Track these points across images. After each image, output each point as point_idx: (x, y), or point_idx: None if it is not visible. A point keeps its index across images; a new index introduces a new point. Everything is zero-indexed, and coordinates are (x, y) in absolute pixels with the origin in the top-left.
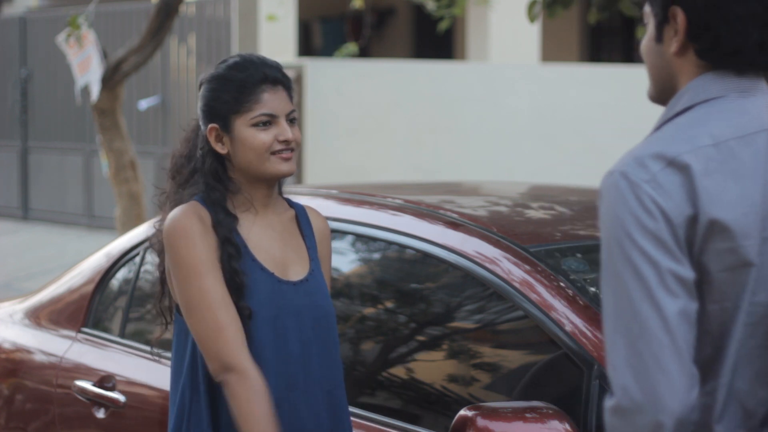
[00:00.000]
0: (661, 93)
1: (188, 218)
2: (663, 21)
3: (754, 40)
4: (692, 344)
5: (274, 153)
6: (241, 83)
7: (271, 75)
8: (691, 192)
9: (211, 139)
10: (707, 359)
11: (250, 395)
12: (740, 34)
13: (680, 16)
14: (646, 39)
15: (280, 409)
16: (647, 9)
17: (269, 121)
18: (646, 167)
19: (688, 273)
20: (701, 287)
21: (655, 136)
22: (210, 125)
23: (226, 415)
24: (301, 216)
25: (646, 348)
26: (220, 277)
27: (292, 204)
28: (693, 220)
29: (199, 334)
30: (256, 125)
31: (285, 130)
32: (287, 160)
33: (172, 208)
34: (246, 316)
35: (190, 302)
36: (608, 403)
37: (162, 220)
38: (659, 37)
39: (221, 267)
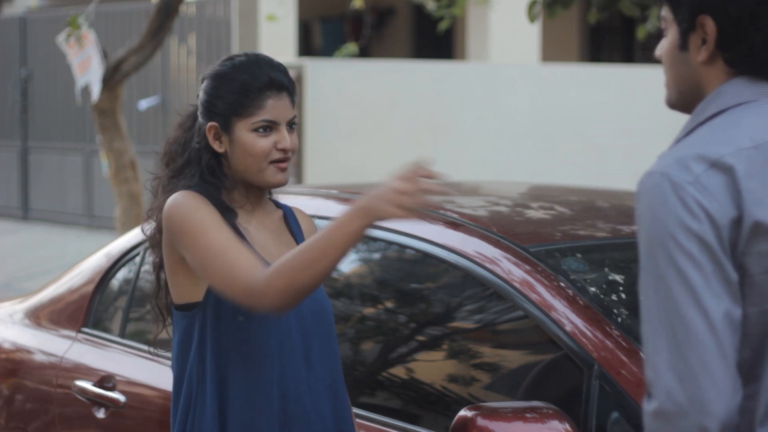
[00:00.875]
0: (683, 100)
1: (186, 195)
2: (689, 29)
3: None
4: (736, 348)
5: (272, 162)
6: (246, 86)
7: (277, 80)
8: (735, 194)
9: (210, 137)
10: (747, 362)
11: (289, 272)
12: None
13: (710, 25)
14: (668, 46)
15: (287, 401)
16: (667, 15)
17: (270, 127)
18: (689, 168)
19: (732, 275)
20: (742, 289)
21: (693, 138)
22: (210, 123)
23: (234, 407)
24: (289, 217)
25: (692, 352)
26: (224, 227)
27: (279, 205)
28: (737, 222)
29: (220, 281)
30: (256, 130)
31: (284, 138)
32: (283, 170)
33: (166, 198)
34: None
35: (201, 258)
36: (649, 406)
37: (153, 212)
38: (684, 45)
39: None
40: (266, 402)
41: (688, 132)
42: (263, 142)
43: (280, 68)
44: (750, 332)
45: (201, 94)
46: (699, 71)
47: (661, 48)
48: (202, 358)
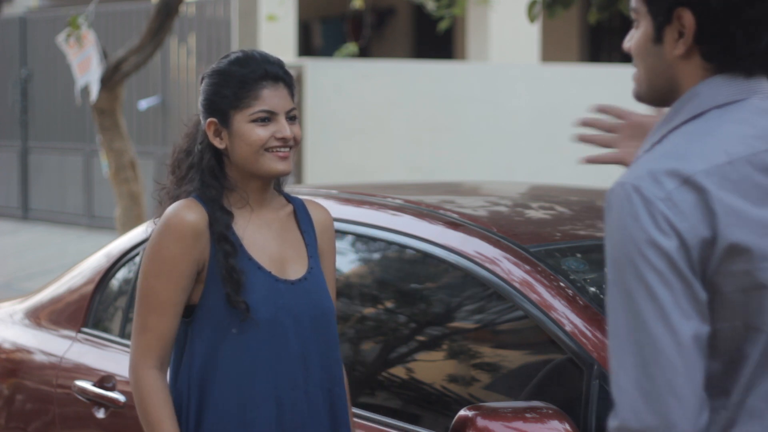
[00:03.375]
0: (655, 94)
1: (183, 217)
2: (665, 22)
3: (766, 44)
4: (703, 367)
5: (269, 149)
6: (242, 78)
7: (272, 71)
8: (707, 213)
9: (210, 133)
10: (716, 376)
11: (141, 399)
12: (753, 37)
13: (688, 18)
14: (640, 39)
15: (282, 408)
16: (639, 6)
17: (268, 117)
18: (660, 183)
19: (701, 294)
20: (712, 306)
21: (667, 145)
22: (209, 119)
23: (225, 418)
24: (299, 211)
25: (659, 371)
26: (178, 285)
27: (291, 199)
28: (709, 241)
29: (133, 326)
30: (254, 121)
31: (283, 127)
32: (283, 158)
33: (169, 204)
34: (243, 311)
35: (138, 294)
36: (613, 423)
37: (159, 215)
38: (659, 38)
39: (218, 265)
40: (261, 413)
41: (662, 136)
42: (261, 132)
43: (276, 61)
44: (720, 347)
45: (200, 95)
46: (674, 66)
47: (631, 40)
48: (196, 367)
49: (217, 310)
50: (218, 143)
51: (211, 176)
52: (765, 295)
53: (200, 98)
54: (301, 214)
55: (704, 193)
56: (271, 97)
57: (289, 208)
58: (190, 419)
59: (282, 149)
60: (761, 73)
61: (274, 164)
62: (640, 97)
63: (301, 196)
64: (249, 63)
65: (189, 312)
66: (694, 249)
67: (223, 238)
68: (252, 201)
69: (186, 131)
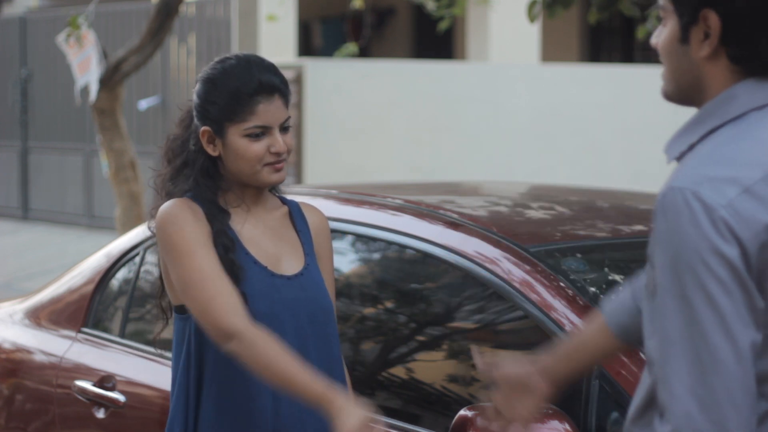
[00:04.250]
0: (682, 93)
1: (177, 207)
2: (691, 22)
3: None
4: (755, 376)
5: (266, 165)
6: (236, 92)
7: (268, 84)
8: (766, 221)
9: (203, 141)
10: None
11: (256, 350)
12: None
13: (713, 20)
14: (667, 38)
15: (279, 403)
16: (666, 5)
17: (262, 132)
18: (721, 191)
19: (759, 302)
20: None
21: (716, 151)
22: (203, 128)
23: (222, 413)
24: (295, 212)
25: (718, 379)
26: (210, 253)
27: (285, 201)
28: (766, 249)
29: (196, 310)
30: (248, 136)
31: (277, 142)
32: (279, 170)
33: (165, 200)
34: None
35: (183, 281)
36: (664, 428)
37: (155, 211)
38: (685, 38)
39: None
40: (258, 407)
41: (701, 137)
42: (256, 147)
43: (272, 69)
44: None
45: (195, 97)
46: (700, 66)
47: (658, 37)
48: (194, 361)
49: None
50: (211, 150)
51: (206, 177)
52: None
53: (195, 101)
54: (296, 216)
55: (765, 202)
56: (266, 112)
57: (285, 209)
58: (189, 412)
59: (278, 162)
60: None
61: (269, 176)
62: (668, 95)
63: (300, 197)
64: (243, 75)
65: (186, 309)
66: (753, 257)
67: (222, 233)
68: (248, 200)
69: (180, 117)
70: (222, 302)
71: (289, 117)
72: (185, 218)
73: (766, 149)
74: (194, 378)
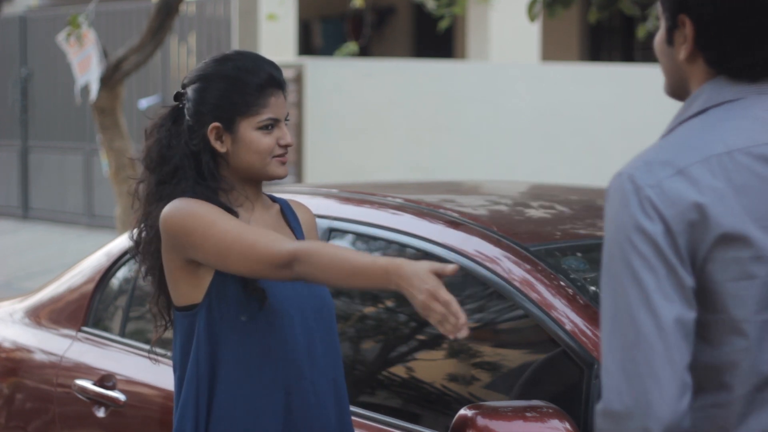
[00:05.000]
0: (674, 91)
1: (181, 200)
2: (673, 26)
3: (763, 54)
4: (688, 352)
5: (274, 157)
6: (254, 86)
7: (276, 78)
8: (698, 202)
9: (211, 137)
10: (713, 369)
11: (318, 260)
12: (748, 48)
13: (689, 25)
14: (658, 39)
15: (291, 398)
16: (660, 8)
17: (272, 124)
18: (653, 172)
19: (687, 280)
20: (704, 295)
21: (668, 140)
22: (213, 124)
23: (235, 407)
24: (286, 210)
25: (640, 354)
26: (229, 217)
27: (275, 199)
28: (700, 229)
29: (245, 264)
30: (260, 128)
31: (285, 134)
32: (284, 163)
33: (159, 206)
34: (261, 296)
35: (218, 249)
36: (599, 405)
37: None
38: (670, 40)
39: None
40: (270, 402)
41: (670, 130)
42: (268, 140)
43: (276, 66)
44: (710, 339)
45: (198, 97)
46: (682, 67)
47: (655, 39)
48: (204, 358)
49: (228, 299)
50: (219, 147)
51: (205, 178)
52: (755, 286)
53: (199, 101)
54: (288, 213)
55: (696, 183)
56: (276, 105)
57: (277, 206)
58: (200, 409)
59: (283, 155)
60: (763, 78)
61: (277, 169)
62: (667, 92)
63: (300, 196)
64: (256, 71)
65: (192, 307)
66: (680, 235)
67: None
68: (251, 198)
69: (154, 123)
70: (266, 241)
71: (288, 112)
72: (194, 204)
73: (714, 138)
74: (206, 374)
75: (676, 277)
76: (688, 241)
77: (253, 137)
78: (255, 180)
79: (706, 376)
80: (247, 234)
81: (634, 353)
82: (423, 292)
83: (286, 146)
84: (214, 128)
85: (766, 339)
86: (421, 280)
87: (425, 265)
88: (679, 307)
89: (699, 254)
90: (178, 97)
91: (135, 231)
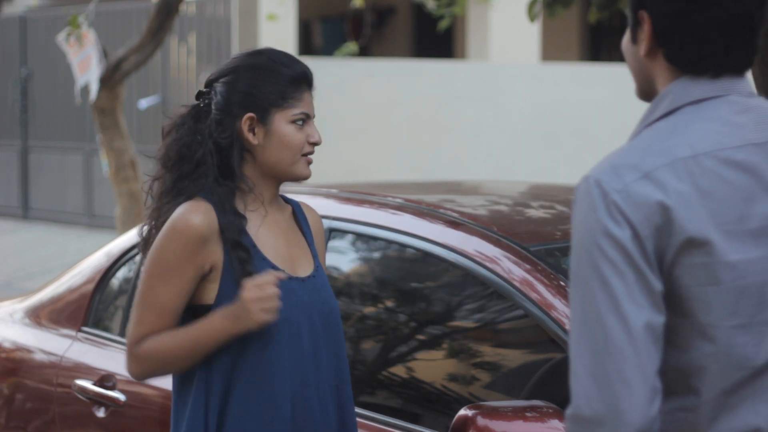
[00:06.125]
0: (645, 91)
1: (190, 221)
2: (635, 23)
3: (719, 47)
4: (657, 357)
5: (304, 154)
6: (290, 78)
7: (311, 75)
8: (663, 206)
9: (245, 128)
10: (681, 372)
11: (154, 352)
12: (705, 41)
13: (647, 21)
14: (625, 39)
15: (295, 406)
16: (628, 8)
17: (304, 120)
18: (620, 176)
19: (655, 285)
20: (671, 299)
21: (635, 143)
22: (247, 114)
23: (241, 417)
24: (298, 213)
25: (610, 360)
26: (179, 289)
27: (288, 200)
28: (666, 233)
29: (130, 318)
30: (294, 122)
31: (315, 132)
32: (310, 163)
33: (174, 198)
34: None
35: (139, 291)
36: (569, 410)
37: (154, 214)
38: (634, 39)
39: (234, 270)
40: (277, 413)
41: (637, 133)
42: (300, 135)
43: (307, 66)
44: (678, 343)
45: (230, 88)
46: (645, 65)
47: (623, 40)
48: (212, 370)
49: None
50: (252, 138)
51: (227, 175)
52: (721, 291)
53: (230, 92)
54: (299, 215)
55: (662, 187)
56: (308, 101)
57: (290, 208)
58: (209, 423)
59: (311, 154)
60: (729, 74)
61: (303, 169)
62: (637, 94)
63: (300, 196)
64: (293, 65)
65: (203, 312)
66: (647, 240)
67: (237, 245)
68: (266, 201)
69: (174, 122)
70: (142, 332)
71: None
72: (189, 238)
73: (683, 140)
74: (219, 386)
75: (644, 282)
76: (655, 246)
77: (287, 131)
78: (278, 179)
79: (674, 380)
80: (147, 316)
81: (603, 359)
82: (250, 311)
83: (314, 144)
84: (248, 119)
85: (735, 344)
86: (249, 315)
87: (244, 293)
88: (649, 312)
89: (666, 258)
90: (200, 95)
91: (145, 227)
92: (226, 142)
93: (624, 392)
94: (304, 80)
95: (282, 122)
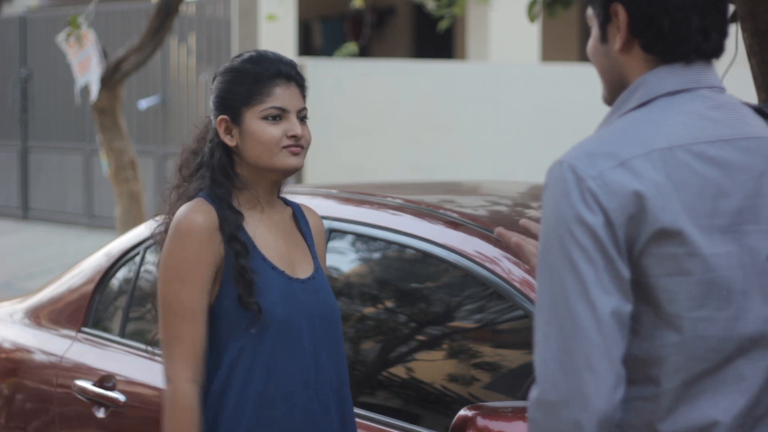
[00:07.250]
0: (612, 94)
1: (193, 220)
2: (606, 20)
3: (696, 28)
4: (623, 344)
5: (283, 147)
6: (255, 76)
7: (285, 71)
8: (639, 195)
9: (221, 131)
10: (642, 361)
11: (173, 414)
12: (682, 23)
13: (621, 12)
14: (592, 41)
15: (296, 408)
16: (589, 11)
17: (279, 115)
18: (595, 163)
19: (624, 272)
20: (641, 289)
21: (609, 131)
22: (220, 116)
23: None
24: (298, 214)
25: (577, 346)
26: (201, 289)
27: (288, 202)
28: (638, 222)
29: (161, 338)
30: (266, 118)
31: (294, 125)
32: (296, 154)
33: (176, 200)
34: (255, 312)
35: (162, 304)
36: (533, 393)
37: (165, 216)
38: (604, 37)
39: (230, 265)
40: (275, 413)
41: (609, 122)
42: (273, 130)
43: (290, 62)
44: (641, 332)
45: (212, 93)
46: (620, 61)
47: (588, 46)
48: (211, 367)
49: (235, 310)
50: (229, 141)
51: (222, 174)
52: (689, 282)
53: (212, 96)
54: (300, 217)
55: (639, 176)
56: (283, 95)
57: (290, 210)
58: (209, 423)
59: (294, 146)
60: (700, 60)
61: (288, 159)
62: (605, 99)
63: (300, 197)
64: (262, 61)
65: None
66: (620, 228)
67: (233, 238)
68: (262, 201)
69: (196, 133)
70: (183, 350)
71: (305, 108)
72: (197, 237)
73: (659, 132)
74: (222, 380)
75: (614, 269)
76: (626, 234)
77: (257, 127)
78: (268, 173)
79: (634, 369)
80: (184, 326)
81: (570, 344)
82: None
83: (294, 137)
84: (222, 121)
85: (699, 336)
86: None
87: None
88: (617, 299)
89: (636, 247)
90: None
91: (156, 225)
92: (212, 144)
93: (590, 378)
94: (275, 76)
95: (253, 120)
